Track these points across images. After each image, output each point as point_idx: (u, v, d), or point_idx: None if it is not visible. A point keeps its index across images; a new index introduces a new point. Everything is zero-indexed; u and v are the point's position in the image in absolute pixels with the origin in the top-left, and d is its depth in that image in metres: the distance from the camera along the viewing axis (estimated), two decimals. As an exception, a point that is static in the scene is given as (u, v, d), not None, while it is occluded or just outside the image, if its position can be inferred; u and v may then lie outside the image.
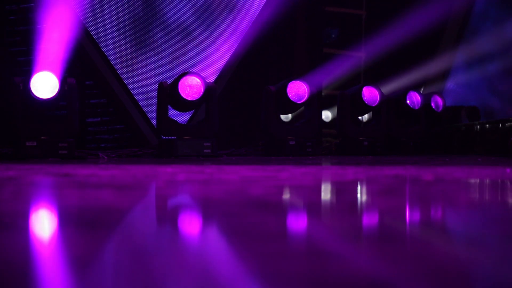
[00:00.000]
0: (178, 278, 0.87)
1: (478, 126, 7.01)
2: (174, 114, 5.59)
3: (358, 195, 2.12)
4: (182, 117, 6.11)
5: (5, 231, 1.24)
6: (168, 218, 1.58)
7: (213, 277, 0.90)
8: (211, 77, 6.62)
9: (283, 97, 5.76)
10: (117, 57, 6.42)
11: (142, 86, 6.51)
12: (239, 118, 7.10)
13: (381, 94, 6.30)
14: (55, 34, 6.03)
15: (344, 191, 2.22)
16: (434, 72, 8.80)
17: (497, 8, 8.61)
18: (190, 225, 1.46)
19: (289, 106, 5.87)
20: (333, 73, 8.04)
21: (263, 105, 5.87)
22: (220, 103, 5.89)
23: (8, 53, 6.33)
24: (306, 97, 5.81)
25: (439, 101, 7.11)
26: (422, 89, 8.35)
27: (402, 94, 6.73)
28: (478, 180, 2.83)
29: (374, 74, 8.20)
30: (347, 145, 6.36)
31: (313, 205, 1.82)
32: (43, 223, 1.44)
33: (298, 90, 5.81)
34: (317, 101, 6.01)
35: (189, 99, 5.28)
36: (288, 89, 5.77)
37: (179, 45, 6.73)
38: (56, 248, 1.12)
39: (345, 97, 6.31)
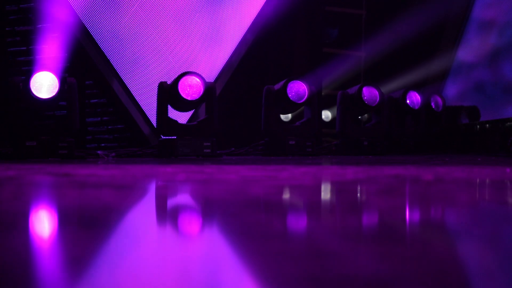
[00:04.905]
0: (178, 278, 0.87)
1: (478, 126, 7.01)
2: (174, 114, 5.59)
3: (358, 195, 2.12)
4: (182, 117, 6.11)
5: (5, 231, 1.24)
6: (168, 218, 1.58)
7: (213, 277, 0.90)
8: (211, 77, 6.62)
9: (283, 97, 5.76)
10: (117, 57, 6.42)
11: (142, 86, 6.51)
12: (239, 118, 7.10)
13: (381, 94, 6.30)
14: (55, 34, 6.03)
15: (344, 191, 2.22)
16: (434, 72, 8.80)
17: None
18: (190, 224, 1.46)
19: (289, 105, 5.86)
20: (333, 73, 8.04)
21: (263, 105, 5.87)
22: (220, 103, 5.89)
23: (8, 53, 6.33)
24: (306, 96, 5.80)
25: (439, 101, 7.11)
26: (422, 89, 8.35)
27: (402, 94, 6.74)
28: (478, 180, 2.83)
29: (374, 74, 8.20)
30: (347, 144, 6.36)
31: (313, 205, 1.82)
32: (43, 223, 1.44)
33: (298, 89, 5.81)
34: (317, 101, 6.01)
35: (189, 98, 5.28)
36: (288, 88, 5.76)
37: (179, 45, 6.73)
38: (55, 247, 1.12)
39: (345, 97, 6.31)
